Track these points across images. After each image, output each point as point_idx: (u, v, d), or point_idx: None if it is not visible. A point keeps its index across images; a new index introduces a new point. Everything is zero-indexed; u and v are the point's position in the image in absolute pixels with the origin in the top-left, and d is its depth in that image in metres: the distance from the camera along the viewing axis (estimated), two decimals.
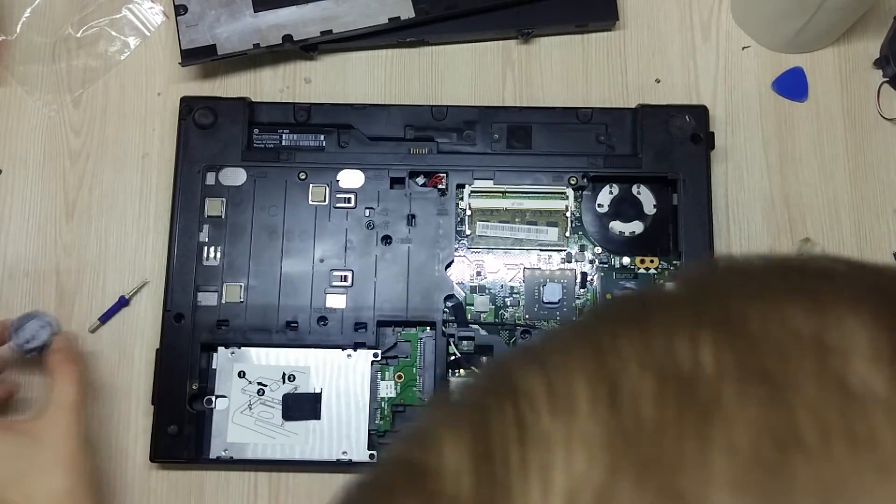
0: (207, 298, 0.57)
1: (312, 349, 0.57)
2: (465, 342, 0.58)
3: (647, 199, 0.60)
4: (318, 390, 0.57)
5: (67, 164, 0.62)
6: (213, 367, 0.57)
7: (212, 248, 0.58)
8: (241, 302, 0.58)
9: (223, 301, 0.57)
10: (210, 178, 0.59)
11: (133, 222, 0.61)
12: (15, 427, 0.49)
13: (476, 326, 0.58)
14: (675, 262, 0.59)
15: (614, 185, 0.60)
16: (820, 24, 0.60)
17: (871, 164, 0.62)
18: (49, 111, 0.63)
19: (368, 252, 0.58)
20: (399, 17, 0.61)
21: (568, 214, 0.59)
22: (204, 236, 0.58)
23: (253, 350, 0.57)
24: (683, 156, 0.59)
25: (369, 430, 0.56)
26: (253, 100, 0.61)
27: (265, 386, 0.57)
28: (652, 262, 0.59)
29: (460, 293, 0.58)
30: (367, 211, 0.59)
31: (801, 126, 0.63)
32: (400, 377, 0.57)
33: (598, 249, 0.59)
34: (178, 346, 0.57)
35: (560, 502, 0.14)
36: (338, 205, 0.59)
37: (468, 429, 0.16)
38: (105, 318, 0.59)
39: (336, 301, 0.58)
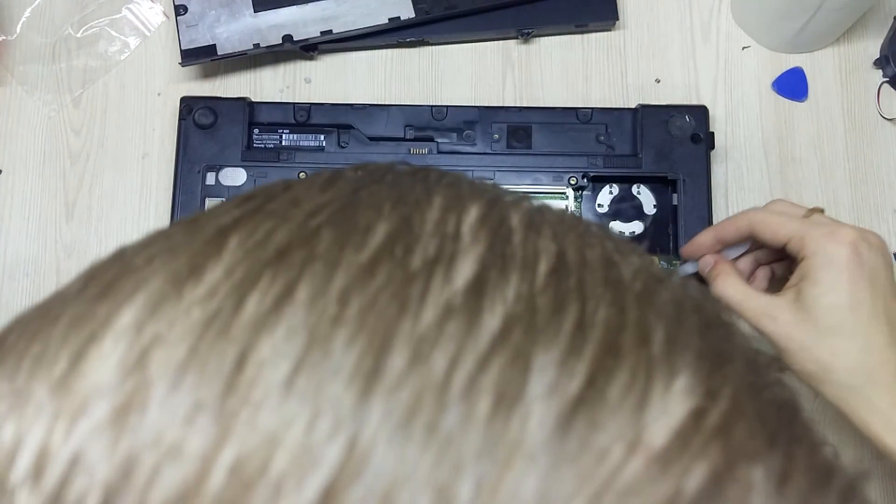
0: None
1: None
2: None
3: (647, 199, 0.60)
4: None
5: (67, 164, 0.62)
6: None
7: None
8: None
9: None
10: (210, 178, 0.59)
11: (133, 222, 0.61)
12: None
13: None
14: (675, 262, 0.59)
15: (614, 185, 0.60)
16: (820, 24, 0.60)
17: (871, 164, 0.62)
18: (49, 111, 0.63)
19: None
20: (399, 17, 0.61)
21: None
22: None
23: None
24: (683, 156, 0.59)
25: None
26: (253, 100, 0.61)
27: None
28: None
29: None
30: None
31: (801, 126, 0.63)
32: None
33: None
34: None
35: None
36: None
37: None
38: None
39: None
